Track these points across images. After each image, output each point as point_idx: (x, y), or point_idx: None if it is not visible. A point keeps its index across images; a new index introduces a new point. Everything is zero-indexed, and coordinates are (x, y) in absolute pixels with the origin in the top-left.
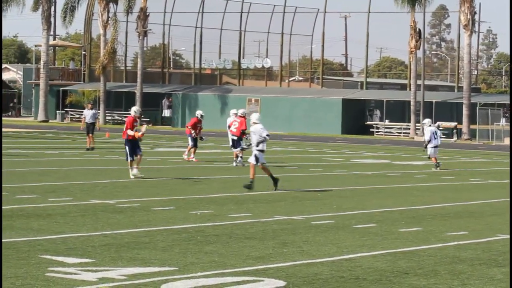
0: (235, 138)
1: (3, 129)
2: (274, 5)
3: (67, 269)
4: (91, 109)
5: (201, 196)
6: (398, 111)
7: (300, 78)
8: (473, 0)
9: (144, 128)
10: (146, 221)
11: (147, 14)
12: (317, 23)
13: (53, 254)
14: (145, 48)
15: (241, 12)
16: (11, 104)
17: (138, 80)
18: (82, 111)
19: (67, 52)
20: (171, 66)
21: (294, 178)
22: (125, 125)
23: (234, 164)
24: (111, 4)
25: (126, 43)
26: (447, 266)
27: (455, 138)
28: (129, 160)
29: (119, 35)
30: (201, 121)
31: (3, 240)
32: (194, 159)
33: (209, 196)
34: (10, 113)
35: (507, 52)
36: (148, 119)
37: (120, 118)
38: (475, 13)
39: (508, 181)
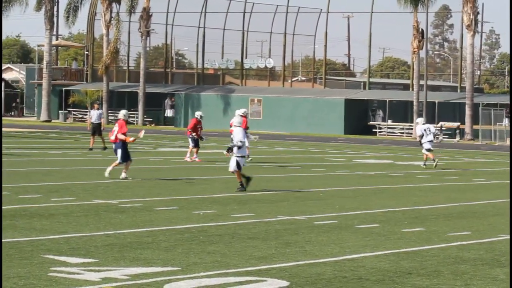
0: None
1: (6, 129)
2: (277, 5)
3: (70, 269)
4: (98, 109)
5: (204, 196)
6: (400, 111)
7: (303, 78)
8: (476, 0)
9: (141, 134)
10: (149, 221)
11: (150, 14)
12: (319, 23)
13: (56, 254)
14: (147, 48)
15: (244, 12)
16: (14, 104)
17: (141, 80)
18: (85, 111)
19: (70, 52)
20: (174, 66)
21: (297, 178)
22: (117, 128)
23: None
24: (113, 4)
25: (128, 43)
26: (450, 267)
27: (457, 138)
28: (118, 162)
29: (122, 35)
30: (200, 122)
31: (5, 240)
32: (197, 159)
33: (212, 196)
34: (12, 113)
35: None
36: (150, 119)
37: None
38: (478, 13)
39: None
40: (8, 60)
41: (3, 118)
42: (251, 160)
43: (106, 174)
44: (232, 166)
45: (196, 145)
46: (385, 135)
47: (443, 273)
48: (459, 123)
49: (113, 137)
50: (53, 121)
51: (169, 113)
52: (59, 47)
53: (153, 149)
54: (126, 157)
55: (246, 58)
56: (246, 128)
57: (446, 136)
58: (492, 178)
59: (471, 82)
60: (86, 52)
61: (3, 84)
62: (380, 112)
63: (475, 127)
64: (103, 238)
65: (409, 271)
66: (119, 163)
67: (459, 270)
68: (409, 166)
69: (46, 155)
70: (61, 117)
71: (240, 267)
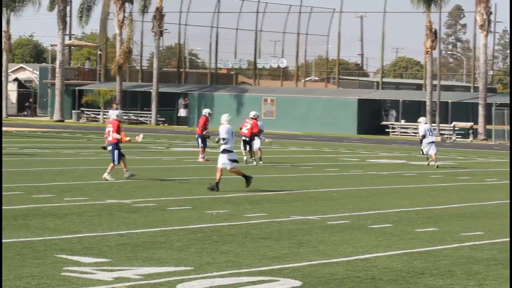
0: (247, 139)
1: (19, 129)
2: (290, 5)
3: (83, 269)
4: (116, 109)
5: (217, 196)
6: (414, 111)
7: (316, 78)
8: (489, 0)
9: (140, 137)
10: (162, 220)
11: (163, 14)
12: (333, 23)
13: (69, 253)
14: (160, 48)
15: (257, 12)
16: (27, 104)
17: (154, 79)
18: (98, 111)
19: (83, 52)
20: (187, 66)
21: (310, 178)
22: (111, 128)
23: (254, 163)
24: (126, 4)
25: (141, 42)
26: (463, 267)
27: (471, 138)
28: (114, 164)
29: (135, 34)
30: (209, 120)
31: (19, 240)
32: (201, 159)
33: (225, 196)
34: (26, 113)
35: None
36: (164, 119)
37: (136, 118)
38: (491, 13)
39: None
40: (21, 60)
41: (16, 118)
42: (261, 163)
43: (108, 178)
44: (227, 164)
45: (205, 144)
46: (398, 135)
47: (456, 273)
48: (472, 123)
49: (110, 138)
50: (66, 120)
51: (182, 112)
52: (72, 47)
53: (166, 149)
54: (118, 160)
55: (259, 58)
56: (258, 131)
57: (459, 136)
58: (505, 178)
59: (484, 82)
60: (99, 52)
61: (16, 84)
62: (393, 112)
63: (488, 127)
64: (116, 237)
65: (422, 271)
66: (114, 165)
67: (472, 270)
68: (422, 166)
69: (59, 155)
70: (74, 116)
71: (253, 267)
